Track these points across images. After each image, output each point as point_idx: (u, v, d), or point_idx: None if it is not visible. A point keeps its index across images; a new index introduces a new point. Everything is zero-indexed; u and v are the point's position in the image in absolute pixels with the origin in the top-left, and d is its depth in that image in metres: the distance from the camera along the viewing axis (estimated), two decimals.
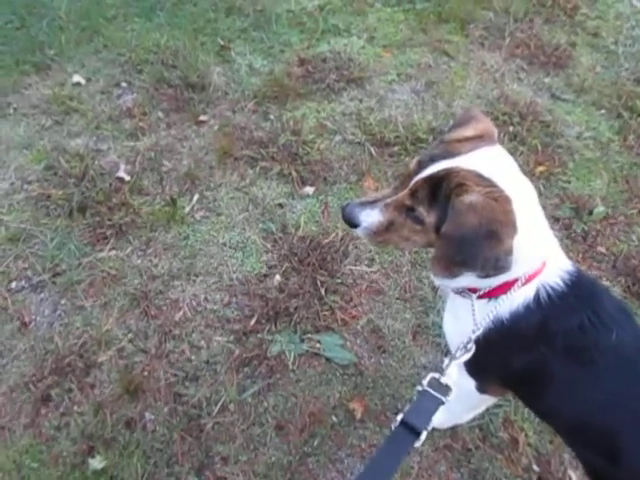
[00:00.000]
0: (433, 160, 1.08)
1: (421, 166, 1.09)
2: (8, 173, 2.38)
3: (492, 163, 1.05)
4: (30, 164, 2.42)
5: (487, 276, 1.03)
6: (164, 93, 2.75)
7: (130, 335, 1.89)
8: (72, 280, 2.01)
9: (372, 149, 2.49)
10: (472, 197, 0.98)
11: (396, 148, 2.49)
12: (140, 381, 1.77)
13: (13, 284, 2.02)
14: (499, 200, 0.98)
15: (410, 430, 0.99)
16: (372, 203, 1.15)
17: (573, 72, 2.98)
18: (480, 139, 1.10)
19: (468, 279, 1.11)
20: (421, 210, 1.08)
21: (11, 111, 2.66)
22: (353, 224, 1.17)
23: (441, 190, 1.03)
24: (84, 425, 1.68)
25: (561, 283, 1.10)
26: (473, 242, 0.98)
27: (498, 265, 0.99)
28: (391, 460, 0.98)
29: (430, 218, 1.07)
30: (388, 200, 1.13)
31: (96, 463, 1.60)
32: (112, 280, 2.03)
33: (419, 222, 1.09)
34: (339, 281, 2.04)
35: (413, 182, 1.09)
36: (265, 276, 2.06)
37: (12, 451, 1.63)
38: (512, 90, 2.85)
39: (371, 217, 1.14)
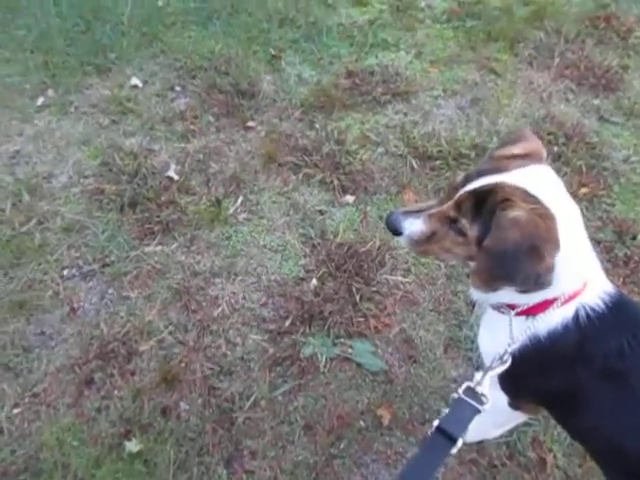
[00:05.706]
0: (480, 175, 1.10)
1: (468, 180, 1.11)
2: (67, 167, 2.52)
3: (538, 181, 1.06)
4: (87, 160, 2.56)
5: (526, 291, 1.04)
6: (215, 98, 2.86)
7: (170, 327, 1.97)
8: (120, 271, 2.11)
9: (414, 162, 2.52)
10: (517, 212, 0.99)
11: (438, 162, 2.51)
12: (177, 372, 1.84)
13: (65, 271, 2.13)
14: (543, 217, 0.99)
15: (446, 437, 1.00)
16: (416, 212, 1.17)
17: (624, 95, 2.94)
18: (528, 157, 1.12)
19: (508, 295, 1.12)
20: (464, 222, 1.09)
21: (72, 109, 2.82)
22: (397, 232, 1.19)
23: (486, 204, 1.04)
24: (123, 409, 1.76)
25: (601, 304, 1.10)
26: (514, 257, 0.99)
27: (539, 281, 1.00)
28: (428, 466, 0.99)
29: (472, 231, 1.08)
30: (432, 211, 1.15)
31: (132, 446, 1.67)
32: (157, 274, 2.12)
33: (461, 234, 1.11)
34: (374, 289, 2.07)
35: (458, 195, 1.11)
36: (302, 279, 2.11)
37: (56, 428, 1.72)
38: (559, 110, 2.83)
39: (414, 226, 1.16)
